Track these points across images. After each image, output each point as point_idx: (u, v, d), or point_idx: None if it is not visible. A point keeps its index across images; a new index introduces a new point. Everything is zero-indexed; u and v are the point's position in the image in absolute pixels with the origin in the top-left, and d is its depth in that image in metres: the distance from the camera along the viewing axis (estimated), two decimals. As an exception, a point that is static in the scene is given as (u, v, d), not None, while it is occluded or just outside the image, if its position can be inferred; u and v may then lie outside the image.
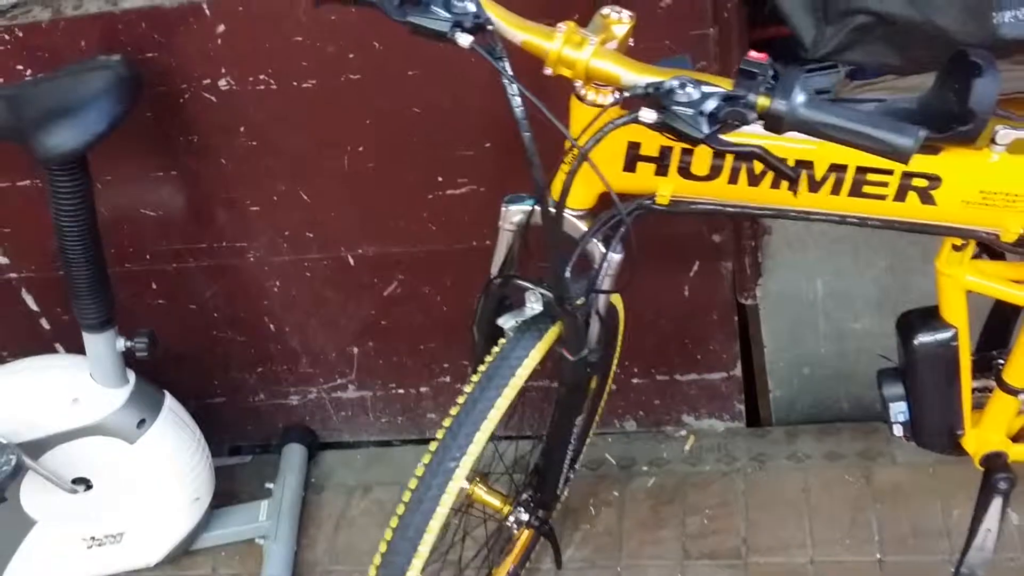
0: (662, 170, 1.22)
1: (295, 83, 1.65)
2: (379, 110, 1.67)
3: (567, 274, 1.23)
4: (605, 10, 1.14)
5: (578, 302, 1.22)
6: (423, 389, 2.04)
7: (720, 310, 1.86)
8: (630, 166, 1.23)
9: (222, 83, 1.67)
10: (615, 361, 1.65)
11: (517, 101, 1.05)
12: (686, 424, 2.03)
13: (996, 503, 1.46)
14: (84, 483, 1.85)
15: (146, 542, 1.91)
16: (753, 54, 1.01)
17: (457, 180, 1.74)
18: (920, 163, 1.19)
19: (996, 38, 1.26)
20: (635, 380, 1.98)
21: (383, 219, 1.81)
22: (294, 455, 2.09)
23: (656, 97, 1.00)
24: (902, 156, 0.96)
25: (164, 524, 1.89)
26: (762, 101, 0.98)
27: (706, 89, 0.99)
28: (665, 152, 1.21)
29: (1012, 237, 1.24)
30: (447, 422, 1.24)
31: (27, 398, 1.78)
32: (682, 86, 0.99)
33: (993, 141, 1.20)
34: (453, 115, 1.65)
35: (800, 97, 0.98)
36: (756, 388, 2.00)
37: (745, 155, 1.00)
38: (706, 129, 0.97)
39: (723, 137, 0.99)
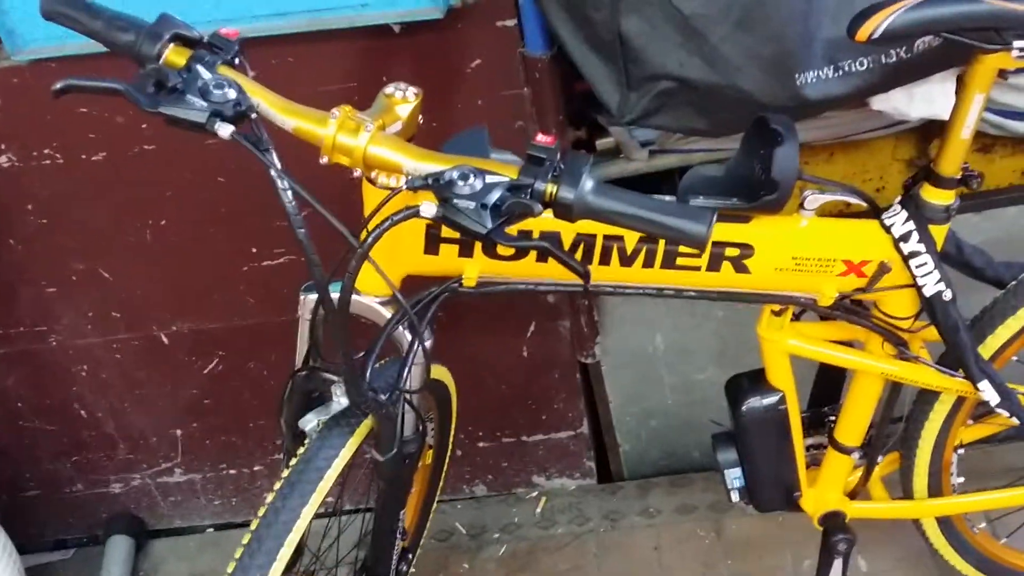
0: (466, 251, 1.14)
1: (84, 156, 1.53)
2: (180, 180, 1.56)
3: (371, 366, 1.14)
4: (389, 88, 1.05)
5: (381, 397, 1.12)
6: (257, 468, 1.92)
7: (561, 369, 1.80)
8: (432, 248, 1.14)
9: (2, 159, 1.53)
10: (451, 432, 1.56)
11: (288, 196, 0.96)
12: (537, 485, 1.96)
13: (837, 564, 1.43)
14: None
15: (-52, 663, 1.72)
16: (540, 137, 0.94)
17: (274, 251, 1.64)
18: (731, 232, 1.15)
19: (800, 99, 1.24)
20: (481, 444, 1.90)
21: (196, 294, 1.68)
22: (118, 548, 1.92)
23: (437, 189, 0.92)
24: (696, 243, 0.91)
25: (-33, 641, 1.71)
26: (549, 189, 0.91)
27: (489, 180, 0.91)
28: (467, 232, 1.13)
29: (829, 301, 1.20)
30: (245, 538, 1.13)
31: None
32: (463, 177, 0.91)
33: (802, 206, 1.17)
34: (262, 183, 1.52)
35: (588, 184, 0.91)
36: (606, 444, 1.95)
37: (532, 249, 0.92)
38: (489, 224, 0.90)
39: (509, 231, 0.92)
